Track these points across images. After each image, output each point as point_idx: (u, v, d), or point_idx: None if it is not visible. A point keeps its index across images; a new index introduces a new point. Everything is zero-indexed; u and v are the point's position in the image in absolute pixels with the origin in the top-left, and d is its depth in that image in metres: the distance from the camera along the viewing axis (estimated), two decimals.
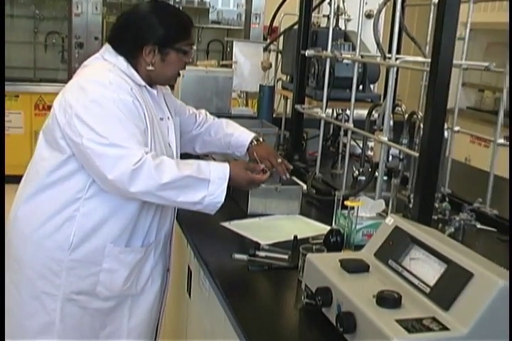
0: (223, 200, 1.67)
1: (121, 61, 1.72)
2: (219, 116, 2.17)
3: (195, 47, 1.79)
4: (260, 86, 3.18)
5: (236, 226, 1.92)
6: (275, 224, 1.98)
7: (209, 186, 1.65)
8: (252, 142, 2.03)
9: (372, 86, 2.74)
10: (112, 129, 1.59)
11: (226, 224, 1.93)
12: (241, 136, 2.05)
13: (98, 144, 1.58)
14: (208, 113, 2.14)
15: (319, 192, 2.27)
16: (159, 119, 1.79)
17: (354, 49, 2.30)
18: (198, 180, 1.64)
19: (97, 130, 1.58)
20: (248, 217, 2.02)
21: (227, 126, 2.08)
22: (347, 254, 1.48)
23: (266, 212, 2.05)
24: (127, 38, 1.72)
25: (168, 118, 1.85)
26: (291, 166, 2.06)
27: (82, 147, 1.59)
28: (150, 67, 1.73)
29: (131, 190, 1.58)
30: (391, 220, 1.38)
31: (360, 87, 2.56)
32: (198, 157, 2.12)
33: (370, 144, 2.49)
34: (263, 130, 2.77)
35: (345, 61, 2.31)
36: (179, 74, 1.82)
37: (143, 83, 1.74)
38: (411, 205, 1.77)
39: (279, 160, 1.97)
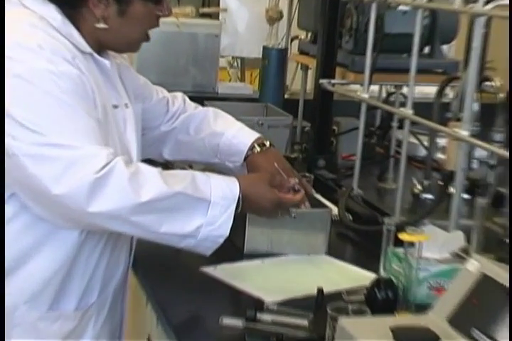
0: (227, 234, 1.67)
1: (53, 12, 1.70)
2: (199, 99, 2.16)
3: None
4: (264, 49, 3.19)
5: (226, 273, 1.92)
6: (288, 270, 1.99)
7: (209, 210, 1.65)
8: (253, 147, 2.02)
9: (445, 48, 2.75)
10: (52, 121, 1.58)
11: (210, 270, 1.93)
12: (236, 136, 2.04)
13: (31, 145, 1.56)
14: (186, 98, 2.14)
15: (358, 219, 2.28)
16: (112, 107, 1.79)
17: None
18: (193, 200, 1.64)
19: (27, 123, 1.56)
20: (245, 259, 2.03)
21: (215, 119, 2.08)
22: (403, 319, 1.48)
23: (273, 250, 2.06)
24: None
25: (126, 105, 1.84)
26: (313, 190, 2.05)
27: (6, 147, 1.56)
28: (101, 25, 1.72)
29: (91, 209, 1.56)
30: (476, 265, 1.38)
31: (426, 49, 2.57)
32: (167, 167, 2.12)
33: (441, 142, 2.50)
34: (268, 119, 2.78)
35: (401, 7, 2.31)
36: (147, 38, 1.81)
37: (88, 49, 1.73)
38: (509, 241, 1.76)
39: (296, 179, 1.94)
